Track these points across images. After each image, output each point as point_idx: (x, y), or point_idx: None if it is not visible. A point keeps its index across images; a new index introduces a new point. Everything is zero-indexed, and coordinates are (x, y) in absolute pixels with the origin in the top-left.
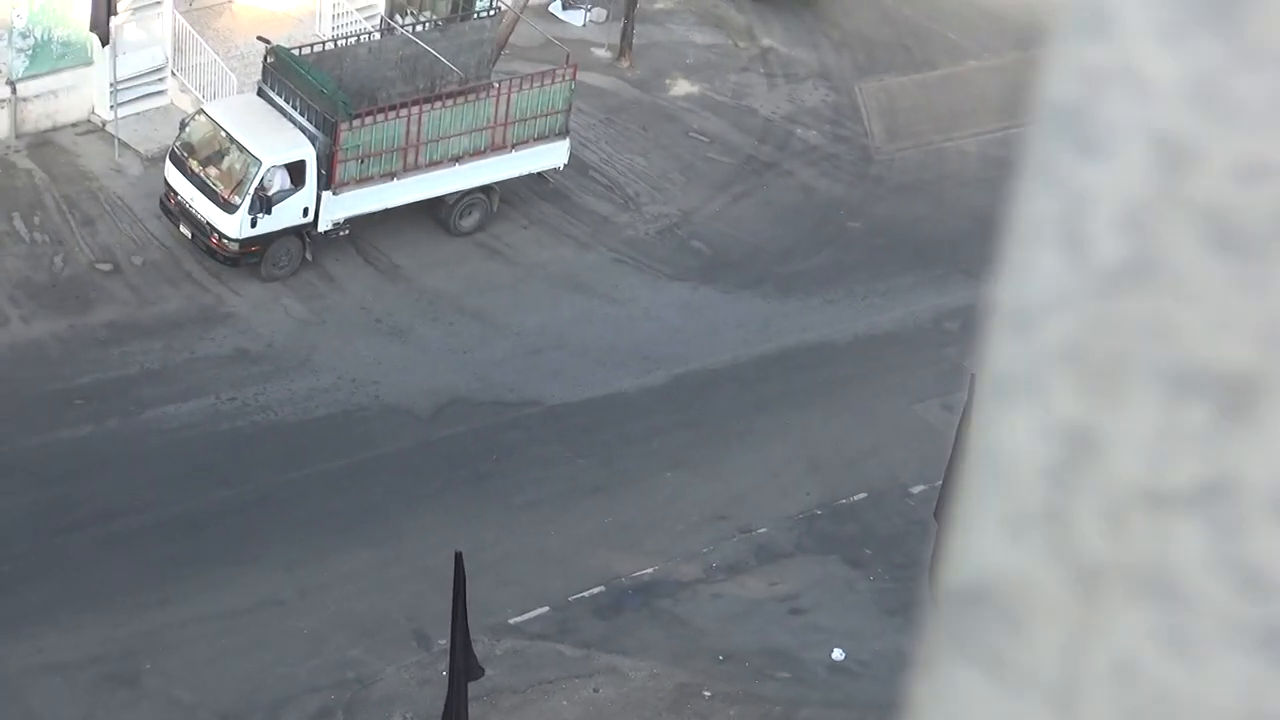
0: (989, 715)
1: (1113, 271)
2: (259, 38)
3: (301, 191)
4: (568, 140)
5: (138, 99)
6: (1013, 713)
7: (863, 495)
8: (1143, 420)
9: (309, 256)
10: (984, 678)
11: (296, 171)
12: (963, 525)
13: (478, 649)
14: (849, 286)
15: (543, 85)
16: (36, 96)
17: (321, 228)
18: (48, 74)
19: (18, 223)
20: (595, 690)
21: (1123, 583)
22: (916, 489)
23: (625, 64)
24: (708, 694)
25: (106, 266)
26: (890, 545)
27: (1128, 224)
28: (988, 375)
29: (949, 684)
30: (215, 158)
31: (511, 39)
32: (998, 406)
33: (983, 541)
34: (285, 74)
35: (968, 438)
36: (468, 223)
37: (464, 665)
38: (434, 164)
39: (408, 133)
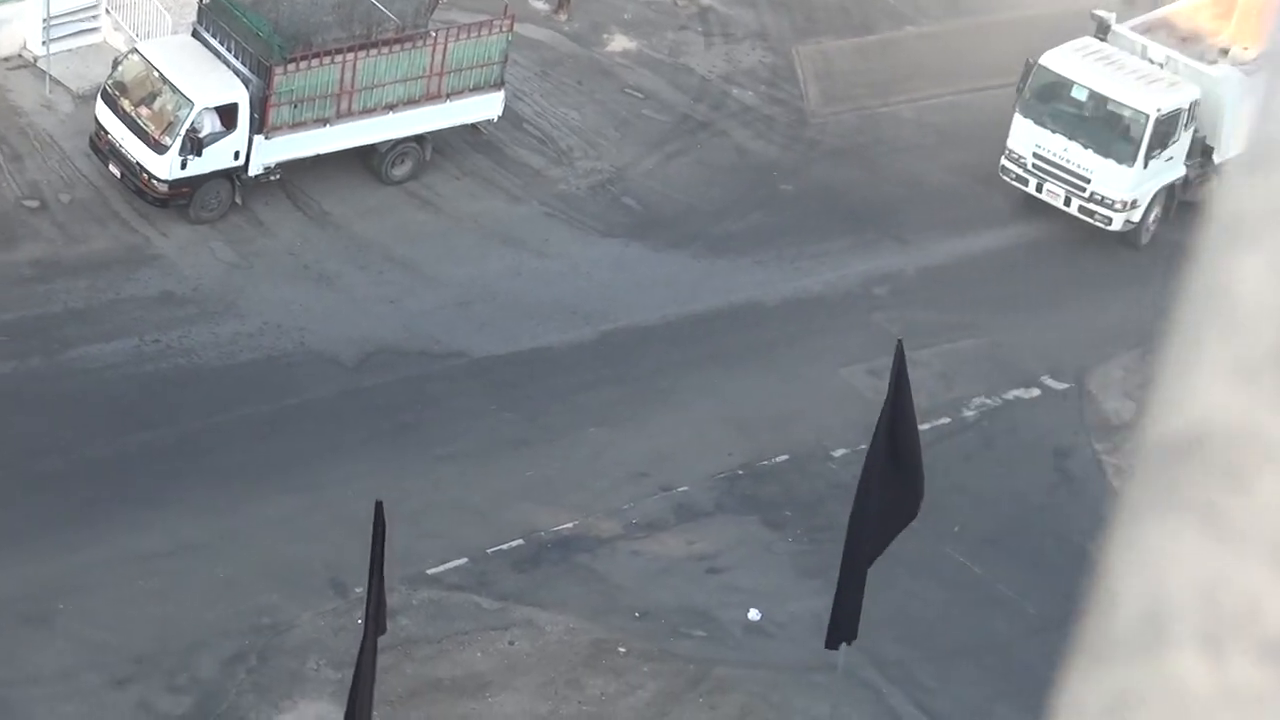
0: (1202, 572)
1: None
2: None
3: (233, 135)
4: (502, 92)
5: (70, 35)
6: (1226, 566)
7: (785, 457)
8: None
9: (239, 200)
10: (1198, 532)
11: (228, 114)
12: (1183, 372)
13: (395, 599)
14: (779, 249)
15: (479, 36)
16: None
17: (252, 172)
18: None
19: None
20: (511, 643)
21: None
22: (839, 452)
23: (563, 17)
24: (623, 650)
25: (33, 203)
26: (810, 508)
27: None
28: (1222, 216)
29: (1158, 540)
30: (147, 98)
31: None
32: (1233, 248)
33: (1206, 388)
34: (221, 16)
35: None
36: (399, 172)
37: (376, 616)
38: (367, 111)
39: (342, 79)
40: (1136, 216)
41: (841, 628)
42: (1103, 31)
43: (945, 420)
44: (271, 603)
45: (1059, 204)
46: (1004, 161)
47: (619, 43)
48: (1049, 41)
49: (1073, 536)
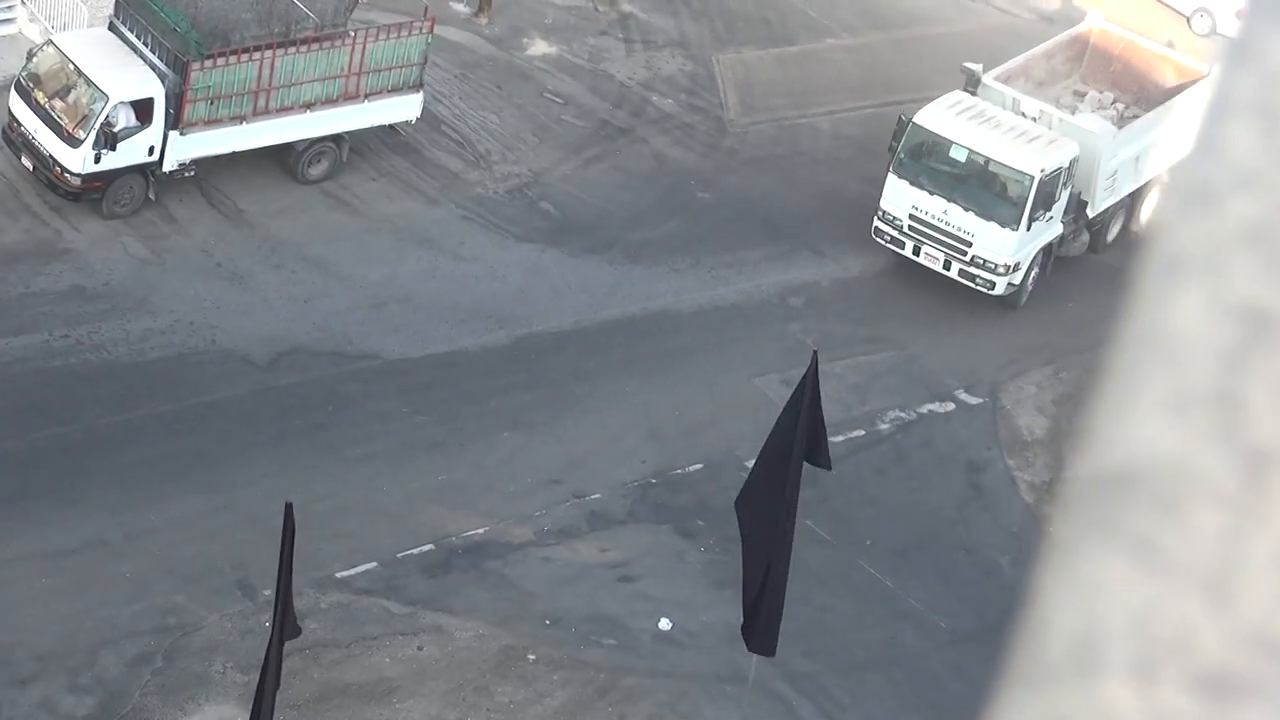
0: (1135, 603)
1: None
2: None
3: (148, 130)
4: (421, 94)
5: None
6: (1162, 600)
7: (698, 466)
8: None
9: (152, 196)
10: (1131, 564)
11: (144, 109)
12: (1118, 407)
13: (303, 602)
14: (696, 257)
15: (399, 37)
16: None
17: (166, 167)
18: None
19: None
20: (420, 648)
21: None
22: (751, 462)
23: (484, 20)
24: (532, 657)
25: None
26: (723, 517)
27: None
28: (1163, 254)
29: (1091, 570)
30: (62, 90)
31: None
32: (1172, 286)
33: (1141, 423)
34: (138, 10)
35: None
36: (316, 171)
37: (282, 620)
38: (284, 110)
39: (259, 76)
40: (1018, 279)
41: (759, 636)
42: (973, 84)
43: (859, 433)
44: (178, 603)
45: (938, 268)
46: (877, 223)
47: (539, 47)
48: (967, 56)
49: (984, 551)
